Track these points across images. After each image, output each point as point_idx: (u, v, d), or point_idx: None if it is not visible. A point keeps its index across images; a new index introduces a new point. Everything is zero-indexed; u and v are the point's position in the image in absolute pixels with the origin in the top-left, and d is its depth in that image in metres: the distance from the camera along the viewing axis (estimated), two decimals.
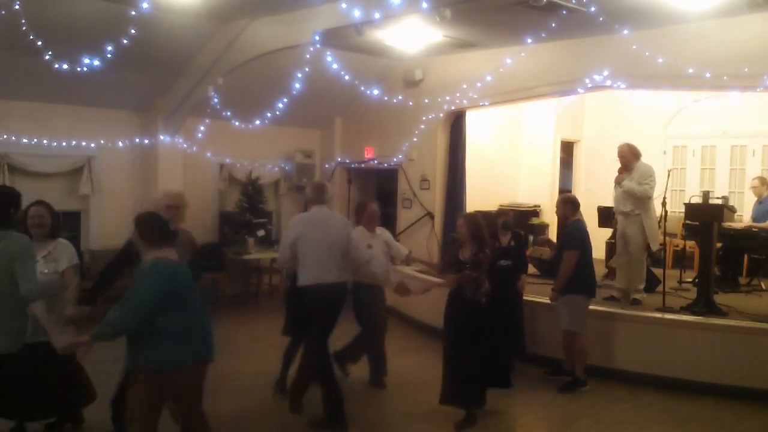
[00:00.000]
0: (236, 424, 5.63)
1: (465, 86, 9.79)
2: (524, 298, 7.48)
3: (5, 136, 8.95)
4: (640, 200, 7.64)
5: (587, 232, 6.85)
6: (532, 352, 7.47)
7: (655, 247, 7.86)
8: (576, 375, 6.70)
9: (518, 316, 7.25)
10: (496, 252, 6.85)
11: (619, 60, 8.32)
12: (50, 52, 7.57)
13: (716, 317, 6.91)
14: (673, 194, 10.78)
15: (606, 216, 9.73)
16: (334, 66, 9.18)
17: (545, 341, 7.48)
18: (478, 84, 9.59)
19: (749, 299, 8.06)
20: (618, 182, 7.78)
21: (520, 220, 10.54)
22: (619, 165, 7.96)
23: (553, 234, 12.03)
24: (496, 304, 6.81)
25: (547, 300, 7.15)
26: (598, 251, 10.03)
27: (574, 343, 6.70)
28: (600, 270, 9.35)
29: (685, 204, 8.29)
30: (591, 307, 7.33)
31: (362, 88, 10.06)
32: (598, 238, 9.97)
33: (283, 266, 6.54)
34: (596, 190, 11.22)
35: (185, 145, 10.37)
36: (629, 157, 7.79)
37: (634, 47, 7.84)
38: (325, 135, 12.29)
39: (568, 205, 6.85)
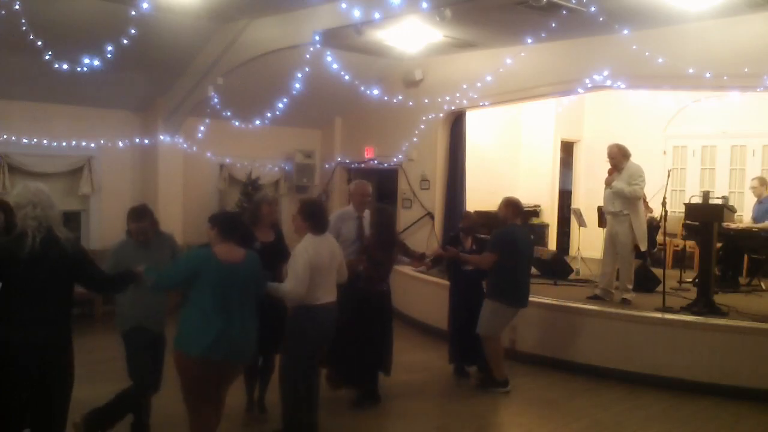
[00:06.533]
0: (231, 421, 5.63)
1: (465, 86, 9.80)
2: None
3: (5, 136, 8.93)
4: (629, 200, 7.65)
5: (523, 240, 6.50)
6: (526, 351, 7.49)
7: (643, 247, 7.86)
8: (492, 375, 6.52)
9: None
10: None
11: (619, 60, 8.33)
12: (50, 52, 7.57)
13: (716, 317, 6.91)
14: (673, 194, 10.77)
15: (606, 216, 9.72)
16: (334, 66, 9.18)
17: (544, 340, 7.48)
18: (478, 84, 9.60)
19: (749, 299, 8.06)
20: (608, 183, 7.80)
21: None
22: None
23: (552, 235, 12.07)
24: (460, 305, 6.75)
25: (537, 299, 7.16)
26: (599, 251, 10.05)
27: (488, 346, 6.45)
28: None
29: (685, 204, 8.30)
30: (593, 307, 7.38)
31: (362, 88, 10.07)
32: (598, 238, 9.97)
33: None
34: (596, 190, 11.20)
35: (185, 145, 10.36)
36: (619, 158, 7.80)
37: (634, 47, 7.85)
38: (325, 135, 12.29)
39: (509, 208, 6.47)
